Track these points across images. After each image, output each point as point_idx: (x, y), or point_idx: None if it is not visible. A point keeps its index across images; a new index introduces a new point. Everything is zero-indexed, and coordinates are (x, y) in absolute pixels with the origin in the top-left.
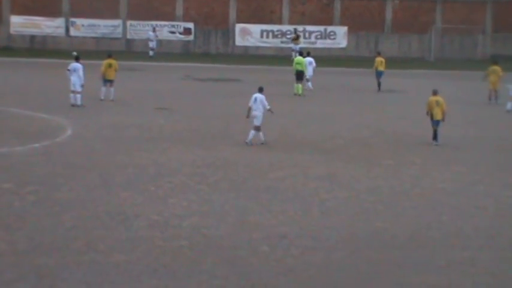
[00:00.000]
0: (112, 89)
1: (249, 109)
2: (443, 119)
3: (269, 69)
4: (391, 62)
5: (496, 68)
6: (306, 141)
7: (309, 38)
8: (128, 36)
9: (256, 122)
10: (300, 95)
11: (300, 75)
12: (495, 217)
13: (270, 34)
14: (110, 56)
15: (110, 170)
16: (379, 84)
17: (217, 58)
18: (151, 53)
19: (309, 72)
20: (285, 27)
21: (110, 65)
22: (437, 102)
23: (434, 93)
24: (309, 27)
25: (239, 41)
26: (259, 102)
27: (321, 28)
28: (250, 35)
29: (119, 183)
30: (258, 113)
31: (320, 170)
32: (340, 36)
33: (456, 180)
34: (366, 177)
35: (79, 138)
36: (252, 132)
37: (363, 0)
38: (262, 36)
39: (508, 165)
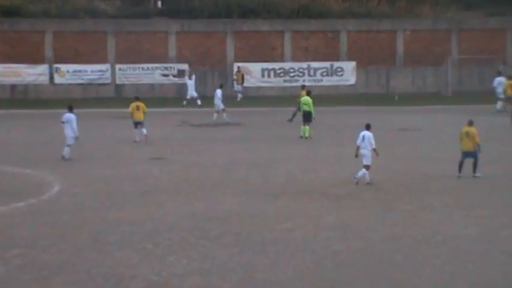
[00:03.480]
0: (144, 130)
1: (357, 148)
2: (478, 150)
3: (272, 110)
4: (405, 98)
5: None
6: (314, 187)
7: (314, 75)
8: (117, 82)
9: (366, 161)
10: (306, 137)
11: (307, 117)
12: None
13: (272, 73)
14: (137, 98)
15: (102, 227)
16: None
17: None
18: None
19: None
20: (288, 65)
21: (137, 108)
22: (468, 134)
23: (470, 123)
24: (314, 64)
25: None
26: (367, 140)
27: (327, 64)
28: (250, 74)
29: (113, 241)
30: (366, 151)
31: (331, 218)
32: (348, 72)
33: (480, 225)
34: (381, 224)
35: (67, 195)
36: (363, 171)
37: (371, 31)
38: (263, 76)
39: None
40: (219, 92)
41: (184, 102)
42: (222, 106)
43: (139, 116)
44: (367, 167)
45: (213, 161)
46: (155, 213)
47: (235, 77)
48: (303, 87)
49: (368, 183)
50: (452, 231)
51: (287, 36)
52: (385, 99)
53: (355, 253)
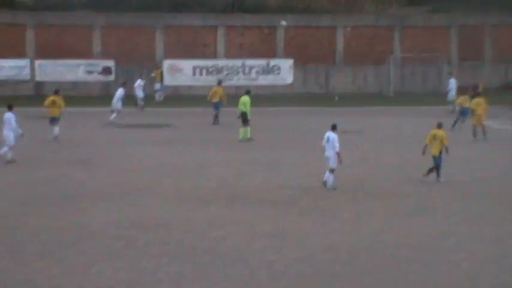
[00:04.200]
0: (56, 128)
1: (324, 148)
2: (447, 153)
3: (204, 111)
4: (345, 98)
5: (479, 100)
6: (249, 193)
7: (249, 73)
8: (37, 78)
9: (330, 164)
10: (248, 139)
11: (244, 118)
12: (470, 273)
13: (204, 71)
14: (56, 92)
15: (20, 236)
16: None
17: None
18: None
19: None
20: (221, 62)
21: (53, 102)
22: (435, 137)
23: (438, 126)
24: (249, 61)
25: (168, 79)
26: (331, 142)
27: (263, 62)
28: (180, 72)
29: (31, 251)
30: (330, 153)
31: (267, 226)
32: (285, 71)
33: (422, 233)
34: (319, 233)
35: None
36: (328, 175)
37: (310, 28)
38: (194, 74)
39: (478, 215)
40: (120, 91)
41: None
42: (118, 107)
43: (53, 111)
44: (331, 170)
45: (141, 165)
46: (77, 220)
47: (153, 74)
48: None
49: (330, 188)
50: (393, 239)
51: (220, 32)
52: (325, 99)
53: (291, 263)
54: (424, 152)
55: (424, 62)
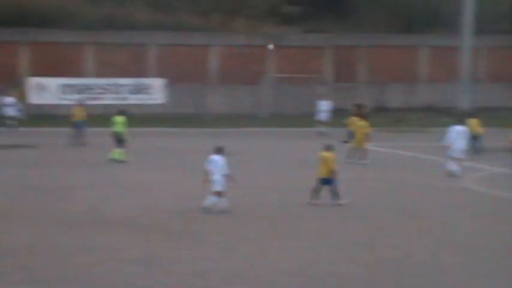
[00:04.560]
0: None
1: (206, 173)
2: (334, 177)
3: (72, 131)
4: (219, 119)
5: (362, 123)
6: (117, 218)
7: (120, 92)
8: None
9: (217, 187)
10: (122, 160)
11: (118, 138)
12: None
13: (72, 89)
14: None
15: None
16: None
17: (6, 119)
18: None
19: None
20: (91, 81)
21: None
22: (324, 159)
23: (327, 149)
24: (120, 80)
25: (34, 98)
26: (218, 165)
27: (134, 81)
28: (46, 90)
29: None
30: (217, 177)
31: (136, 251)
32: (156, 90)
33: (297, 258)
34: (192, 258)
35: None
36: (212, 199)
37: (183, 46)
38: (62, 92)
39: (352, 238)
40: None
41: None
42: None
43: None
44: (218, 194)
45: (1, 187)
46: None
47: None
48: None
49: (223, 211)
50: (267, 265)
51: (90, 49)
52: (198, 120)
53: None
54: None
55: (298, 83)
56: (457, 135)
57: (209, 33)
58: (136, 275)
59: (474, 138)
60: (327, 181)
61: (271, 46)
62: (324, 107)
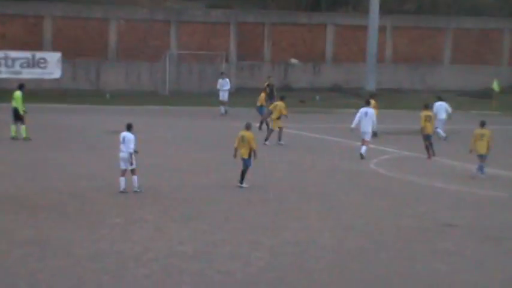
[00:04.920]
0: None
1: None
2: (254, 157)
3: None
4: (118, 96)
5: (280, 103)
6: (10, 197)
7: (13, 66)
8: None
9: (124, 166)
10: (24, 138)
11: (16, 114)
12: (244, 283)
13: None
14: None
15: None
16: None
17: None
18: None
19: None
20: None
21: None
22: (243, 138)
23: (247, 127)
24: (12, 53)
25: None
26: (127, 142)
27: (28, 54)
28: None
29: None
30: (125, 154)
31: (28, 233)
32: (52, 65)
33: (197, 240)
34: (87, 240)
35: None
36: (122, 179)
37: (80, 19)
38: None
39: (255, 220)
40: None
41: None
42: None
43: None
44: (128, 172)
45: None
46: None
47: None
48: None
49: (136, 191)
50: (165, 247)
51: None
52: (96, 96)
53: (54, 272)
54: (235, 155)
55: (201, 60)
56: (364, 116)
57: (109, 6)
58: (29, 257)
59: None
60: (245, 161)
61: (295, 61)
62: (224, 86)
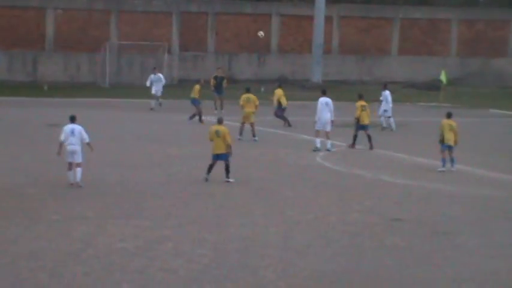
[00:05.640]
0: None
1: (61, 145)
2: (230, 153)
3: None
4: (55, 88)
5: (250, 96)
6: None
7: None
8: None
9: (76, 159)
10: None
11: None
12: (187, 280)
13: None
14: None
15: None
16: None
17: None
18: None
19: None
20: None
21: None
22: (217, 133)
23: (219, 122)
24: None
25: None
26: (77, 134)
27: None
28: None
29: None
30: (76, 147)
31: None
32: None
33: (138, 237)
34: (24, 237)
35: None
36: (70, 173)
37: (16, 8)
38: None
39: (199, 216)
40: None
41: None
42: None
43: None
44: (78, 165)
45: None
46: None
47: None
48: None
49: (78, 185)
50: (106, 244)
51: None
52: (32, 88)
53: None
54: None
55: (143, 51)
56: (325, 106)
57: None
58: None
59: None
60: (222, 156)
61: (261, 33)
62: (158, 82)
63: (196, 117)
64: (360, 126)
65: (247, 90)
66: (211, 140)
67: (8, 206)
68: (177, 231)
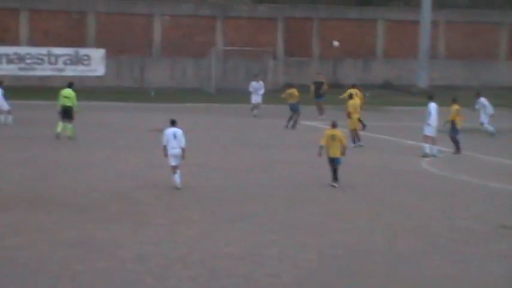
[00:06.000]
0: None
1: (165, 148)
2: (343, 153)
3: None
4: (162, 94)
5: (356, 102)
6: (52, 197)
7: (56, 63)
8: None
9: (176, 162)
10: (69, 137)
11: (67, 113)
12: (292, 285)
13: (4, 59)
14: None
15: None
16: None
17: None
18: None
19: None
20: (24, 50)
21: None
22: (333, 137)
23: (333, 125)
24: (55, 50)
25: None
26: (179, 138)
27: (71, 51)
28: None
29: None
30: (178, 150)
31: (71, 233)
32: (96, 61)
33: (244, 242)
34: (131, 241)
35: None
36: (175, 176)
37: (124, 15)
38: None
39: (303, 221)
40: None
41: None
42: (5, 106)
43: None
44: (174, 168)
45: None
46: None
47: None
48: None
49: (177, 188)
50: (211, 248)
51: (23, 16)
52: (139, 94)
53: (98, 274)
54: (320, 154)
55: (248, 56)
56: (435, 112)
57: (153, 2)
58: (72, 258)
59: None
60: (337, 160)
61: (336, 43)
62: (259, 90)
63: (301, 122)
64: (455, 130)
65: (351, 97)
66: (326, 144)
67: (116, 210)
68: (281, 236)
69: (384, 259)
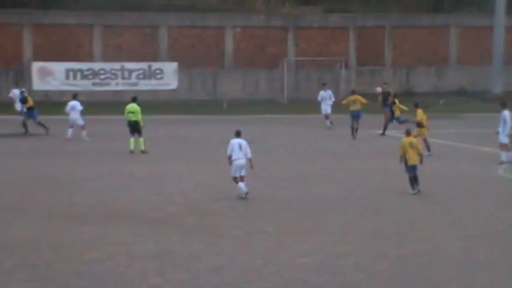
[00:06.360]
0: None
1: (230, 158)
2: (421, 161)
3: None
4: (235, 106)
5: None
6: (129, 211)
7: (129, 78)
8: None
9: (243, 172)
10: (142, 151)
11: (134, 128)
12: None
13: (78, 74)
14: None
15: None
16: None
17: (9, 107)
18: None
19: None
20: (98, 65)
21: None
22: (411, 145)
23: (407, 133)
24: (129, 65)
25: (38, 84)
26: (244, 149)
27: (144, 65)
28: (51, 76)
29: None
30: (243, 161)
31: (148, 246)
32: (168, 75)
33: (319, 252)
34: (207, 253)
35: None
36: (241, 184)
37: (196, 28)
38: (67, 77)
39: (378, 231)
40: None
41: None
42: (81, 121)
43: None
44: (236, 179)
45: (3, 178)
46: None
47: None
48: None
49: (243, 198)
50: (287, 259)
51: (97, 32)
52: (212, 106)
53: (175, 286)
54: (402, 161)
55: (320, 66)
56: (507, 120)
57: (224, 14)
58: (149, 271)
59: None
60: (416, 167)
61: (379, 89)
62: (328, 100)
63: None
64: None
65: (416, 105)
66: (404, 153)
67: (192, 223)
68: (357, 246)
69: (462, 268)
